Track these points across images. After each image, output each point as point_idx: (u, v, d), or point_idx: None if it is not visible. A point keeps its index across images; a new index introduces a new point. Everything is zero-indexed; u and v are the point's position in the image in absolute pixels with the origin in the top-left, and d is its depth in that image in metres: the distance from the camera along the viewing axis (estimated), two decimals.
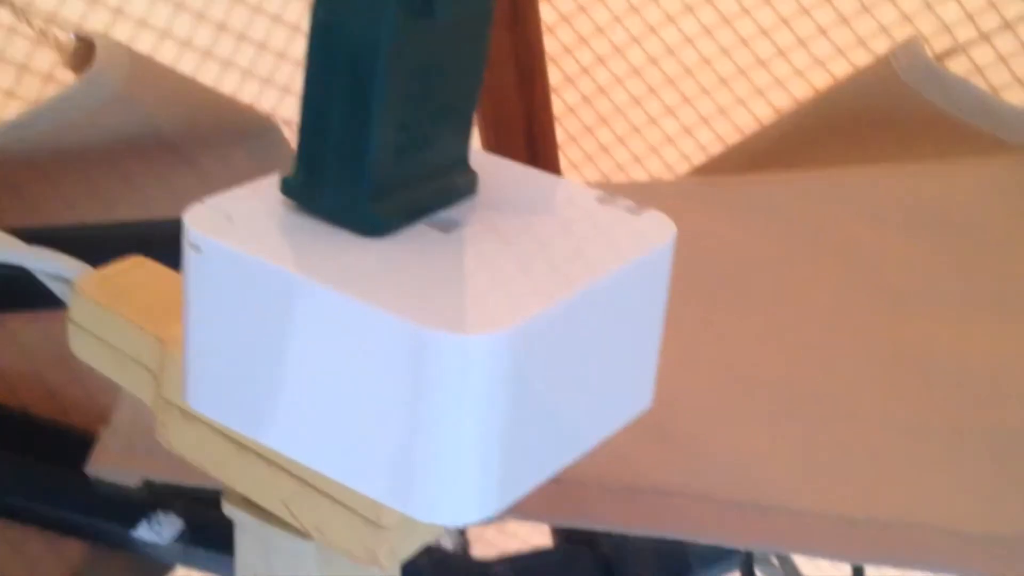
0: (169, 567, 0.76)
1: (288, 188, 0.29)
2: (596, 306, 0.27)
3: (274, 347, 0.27)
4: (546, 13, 0.73)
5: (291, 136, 0.72)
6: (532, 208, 0.30)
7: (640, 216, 0.30)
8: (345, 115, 0.27)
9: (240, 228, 0.28)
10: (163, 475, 0.41)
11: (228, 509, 0.33)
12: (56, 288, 0.36)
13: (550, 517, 0.38)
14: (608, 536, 0.86)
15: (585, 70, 0.75)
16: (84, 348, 0.35)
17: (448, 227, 0.29)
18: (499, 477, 0.26)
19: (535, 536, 0.99)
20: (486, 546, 0.96)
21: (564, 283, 0.27)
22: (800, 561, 0.68)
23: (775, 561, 0.66)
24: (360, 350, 0.26)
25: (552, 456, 0.28)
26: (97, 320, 0.34)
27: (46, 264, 0.35)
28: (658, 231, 0.29)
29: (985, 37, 0.64)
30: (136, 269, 0.36)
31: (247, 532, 0.33)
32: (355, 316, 0.26)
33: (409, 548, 0.30)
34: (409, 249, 0.28)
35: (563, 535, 0.92)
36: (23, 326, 0.67)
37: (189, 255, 0.28)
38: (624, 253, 0.28)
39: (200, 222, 0.28)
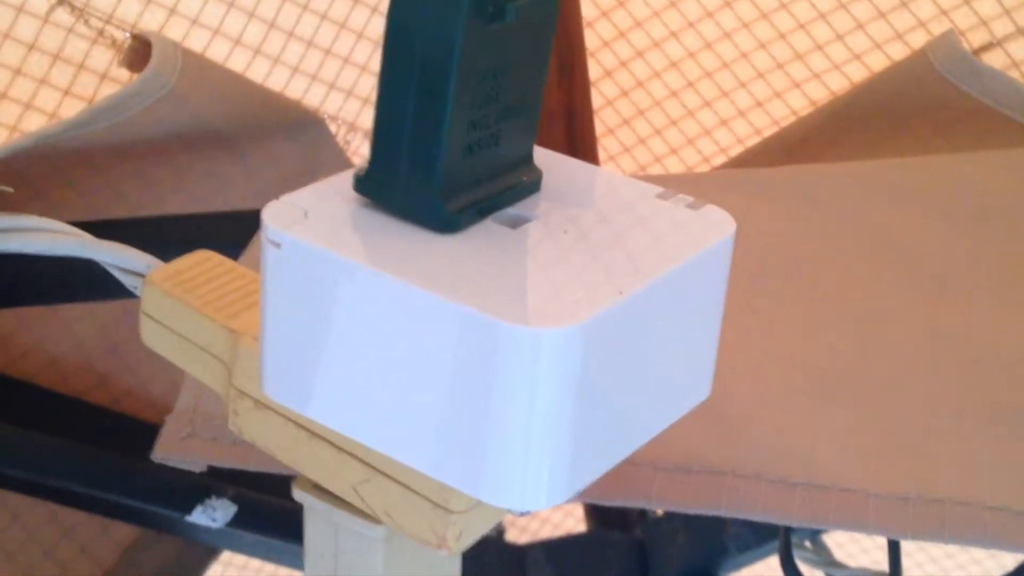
0: (215, 550, 0.78)
1: (362, 185, 0.30)
2: (661, 300, 0.28)
3: (349, 339, 0.28)
4: (586, 9, 0.74)
5: (336, 131, 0.73)
6: (595, 204, 0.31)
7: (700, 211, 0.30)
8: (418, 115, 0.28)
9: (316, 224, 0.29)
10: (227, 461, 0.42)
11: (298, 494, 0.33)
12: (127, 281, 0.37)
13: (604, 496, 0.39)
14: (641, 520, 0.87)
15: (623, 63, 0.76)
16: (156, 339, 0.36)
17: (515, 223, 0.30)
18: (568, 464, 0.27)
19: (567, 522, 1.00)
20: (519, 531, 0.97)
21: (631, 278, 0.28)
22: (834, 547, 0.68)
23: (809, 545, 0.67)
24: (434, 341, 0.27)
25: (618, 444, 0.29)
26: (169, 312, 0.35)
27: (120, 259, 0.36)
28: (719, 226, 0.30)
29: (1022, 32, 0.64)
30: (204, 262, 0.36)
31: (316, 516, 0.34)
32: (430, 309, 0.27)
33: (476, 532, 0.31)
34: (479, 245, 0.29)
35: (596, 520, 0.93)
36: (75, 317, 0.68)
37: (268, 251, 0.29)
38: (687, 248, 0.29)
39: (278, 219, 0.29)
